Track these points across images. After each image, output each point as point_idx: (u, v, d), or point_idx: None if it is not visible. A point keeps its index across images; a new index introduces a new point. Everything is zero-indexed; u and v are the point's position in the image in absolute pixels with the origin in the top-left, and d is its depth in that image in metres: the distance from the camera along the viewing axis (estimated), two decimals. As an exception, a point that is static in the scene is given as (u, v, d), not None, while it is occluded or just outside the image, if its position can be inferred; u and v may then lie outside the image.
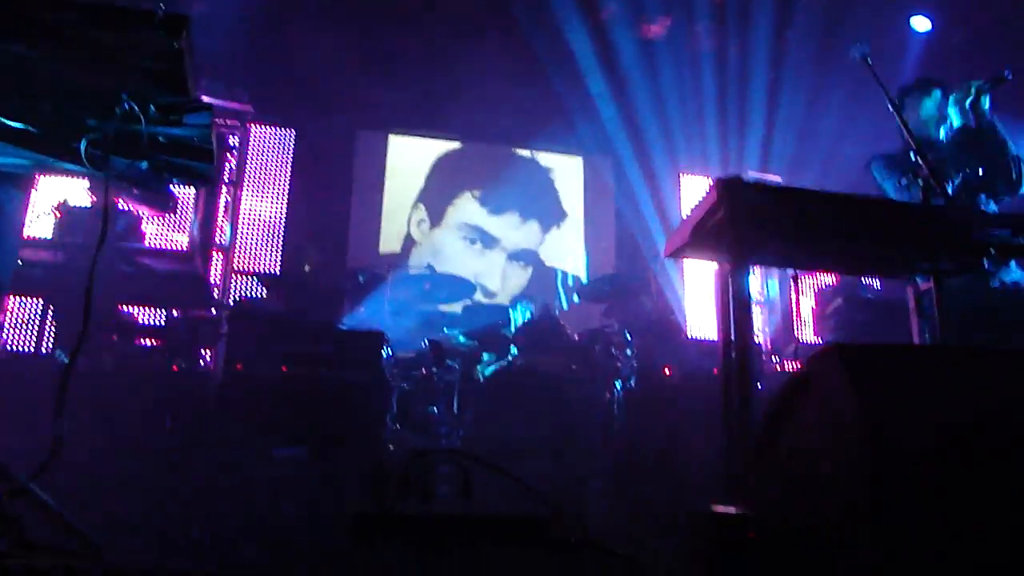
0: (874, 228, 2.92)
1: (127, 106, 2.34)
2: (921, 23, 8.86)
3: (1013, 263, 3.94)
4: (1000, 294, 3.92)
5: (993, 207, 4.10)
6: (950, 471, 1.60)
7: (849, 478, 1.66)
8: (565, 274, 10.00)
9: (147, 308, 6.89)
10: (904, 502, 1.57)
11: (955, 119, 4.05)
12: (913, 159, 3.56)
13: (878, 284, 8.29)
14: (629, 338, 6.34)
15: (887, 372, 1.74)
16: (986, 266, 3.40)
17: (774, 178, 10.06)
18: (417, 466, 1.86)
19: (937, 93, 4.25)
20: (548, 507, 1.90)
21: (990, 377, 1.83)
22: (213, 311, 6.54)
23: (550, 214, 10.30)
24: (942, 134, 4.24)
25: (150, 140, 2.46)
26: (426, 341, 6.33)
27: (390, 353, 6.02)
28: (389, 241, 9.62)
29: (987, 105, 3.95)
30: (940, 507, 1.58)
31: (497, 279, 9.71)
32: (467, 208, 9.97)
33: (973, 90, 3.89)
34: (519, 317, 7.10)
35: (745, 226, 2.58)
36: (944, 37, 8.83)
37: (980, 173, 4.05)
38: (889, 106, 3.75)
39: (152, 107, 2.42)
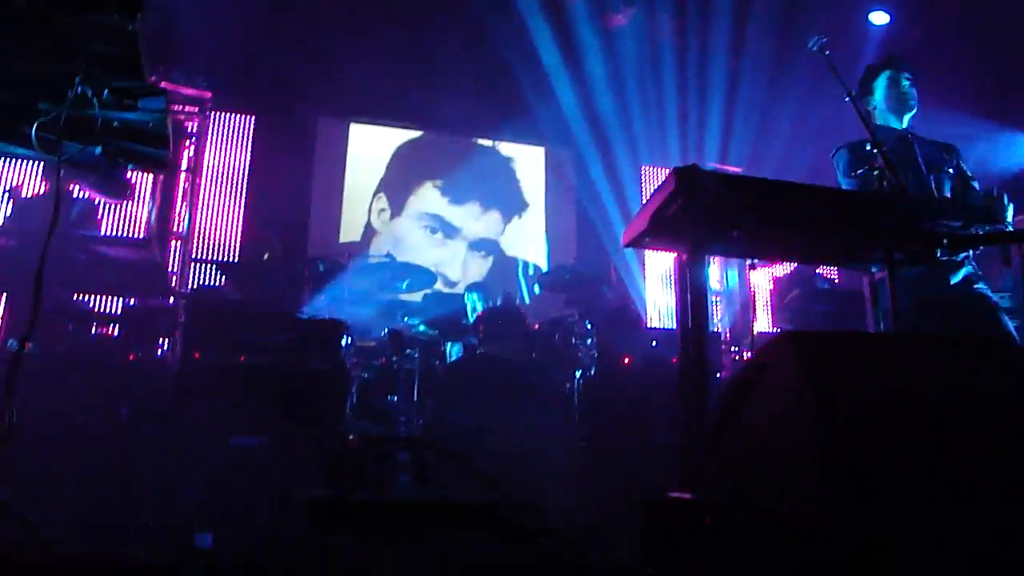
0: (830, 218, 2.95)
1: (80, 90, 2.31)
2: (879, 17, 8.96)
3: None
4: (953, 288, 4.00)
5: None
6: (897, 451, 1.63)
7: (801, 461, 1.68)
8: (526, 264, 10.02)
9: (103, 296, 6.79)
10: (855, 483, 1.59)
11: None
12: (870, 149, 3.60)
13: (835, 274, 8.40)
14: (589, 327, 6.36)
15: (838, 359, 1.77)
16: (939, 255, 3.47)
17: (734, 170, 10.14)
18: (372, 454, 1.86)
19: (904, 75, 4.35)
20: (502, 494, 1.91)
21: (933, 361, 1.87)
22: (171, 299, 6.47)
23: (511, 204, 10.31)
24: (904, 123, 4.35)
25: (104, 125, 2.43)
26: (386, 330, 6.31)
27: (350, 342, 6.00)
28: (350, 230, 9.58)
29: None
30: (890, 486, 1.61)
31: (458, 268, 9.71)
32: (428, 197, 9.94)
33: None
34: (473, 304, 7.11)
35: (703, 215, 2.60)
36: (902, 31, 8.94)
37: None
38: (847, 98, 3.79)
39: (106, 91, 2.39)
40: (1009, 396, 1.81)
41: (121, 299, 6.65)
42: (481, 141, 10.45)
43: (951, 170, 4.22)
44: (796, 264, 7.12)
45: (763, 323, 9.40)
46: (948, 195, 4.19)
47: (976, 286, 4.04)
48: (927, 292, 3.92)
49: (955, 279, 4.02)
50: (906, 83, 4.36)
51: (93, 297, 6.64)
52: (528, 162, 10.57)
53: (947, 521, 1.59)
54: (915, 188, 4.08)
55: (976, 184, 4.27)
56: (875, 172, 3.36)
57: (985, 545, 1.59)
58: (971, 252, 4.06)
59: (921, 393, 1.75)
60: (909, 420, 1.68)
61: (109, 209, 7.46)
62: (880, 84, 4.45)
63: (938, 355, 1.93)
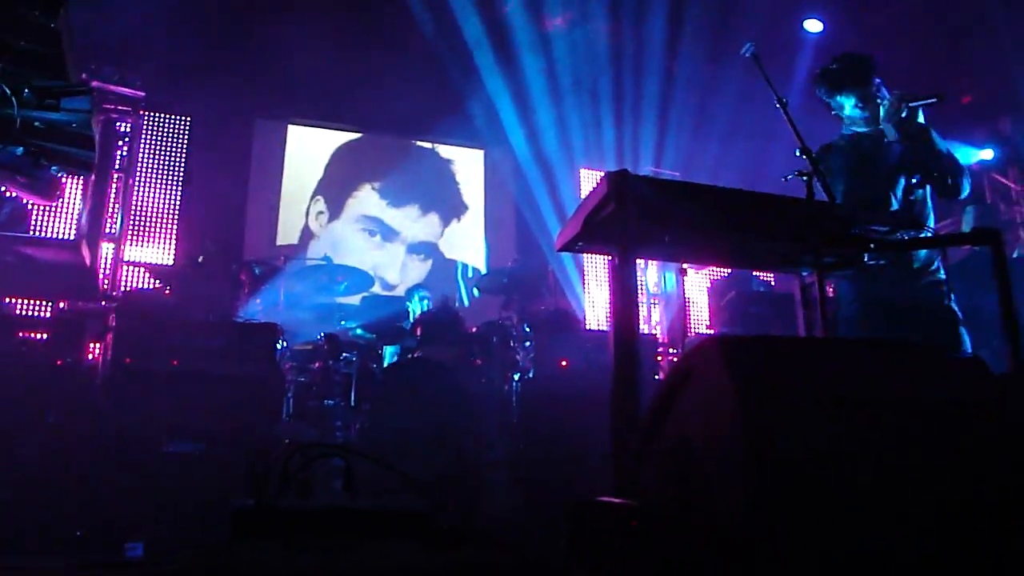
0: (760, 222, 3.00)
1: (-2, 88, 2.25)
2: (813, 25, 9.13)
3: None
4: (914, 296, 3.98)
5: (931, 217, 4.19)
6: (817, 447, 1.66)
7: (726, 464, 1.70)
8: (465, 266, 10.01)
9: (31, 300, 6.62)
10: (778, 487, 1.62)
11: (889, 132, 4.04)
12: (798, 155, 3.65)
13: (772, 277, 8.52)
14: (527, 330, 6.38)
15: (762, 360, 1.80)
16: (866, 259, 3.53)
17: (670, 173, 10.25)
18: (297, 460, 1.84)
19: (874, 80, 4.19)
20: (431, 500, 1.90)
21: (855, 363, 1.91)
22: (101, 303, 6.34)
23: (450, 207, 10.29)
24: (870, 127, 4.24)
25: (24, 124, 2.36)
26: (322, 334, 6.26)
27: (286, 346, 5.94)
28: (287, 233, 9.48)
29: (921, 118, 4.02)
30: (810, 483, 1.63)
31: (397, 271, 9.67)
32: (367, 200, 9.88)
33: (905, 106, 3.92)
34: (416, 307, 7.08)
35: (634, 219, 2.62)
36: (836, 39, 9.10)
37: (917, 180, 4.13)
38: (777, 105, 3.84)
39: (27, 90, 2.32)
40: (928, 398, 1.86)
41: (49, 302, 6.50)
42: (420, 143, 10.42)
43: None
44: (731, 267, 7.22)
45: (701, 325, 9.51)
46: (920, 195, 4.15)
47: (936, 292, 4.01)
48: (882, 298, 3.93)
49: (919, 285, 4.01)
50: (879, 93, 4.15)
51: (20, 300, 6.47)
52: (467, 165, 10.56)
53: (865, 519, 1.62)
54: (871, 190, 4.03)
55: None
56: (804, 178, 3.40)
57: (899, 541, 1.63)
58: (937, 259, 4.05)
59: (841, 392, 1.78)
60: (829, 418, 1.71)
61: (37, 209, 7.29)
62: (848, 101, 4.23)
63: (861, 357, 1.97)
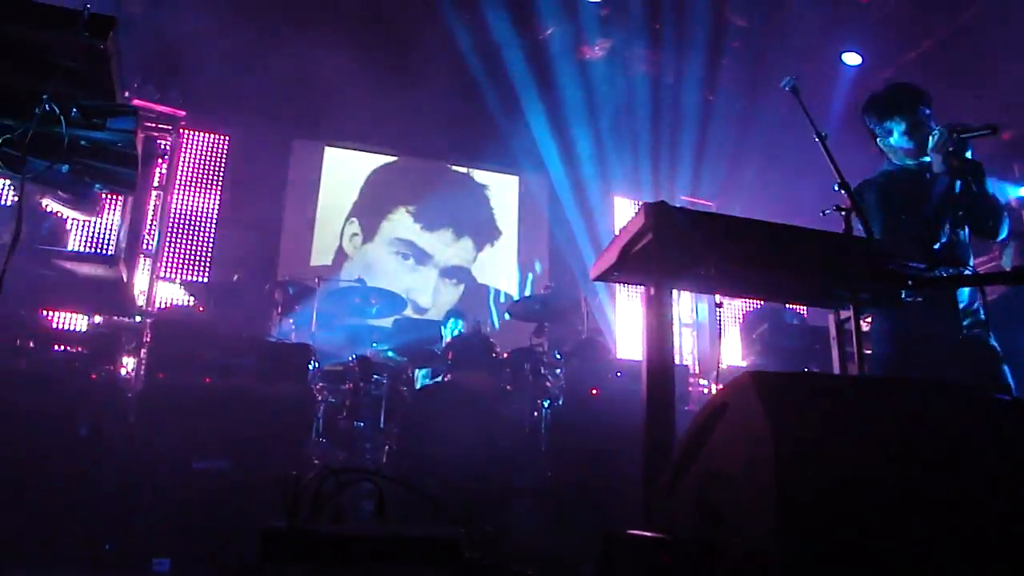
0: (795, 257, 2.98)
1: (47, 107, 2.29)
2: (852, 58, 9.10)
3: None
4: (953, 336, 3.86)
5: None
6: (850, 491, 1.63)
7: (759, 501, 1.68)
8: (497, 292, 10.02)
9: (68, 314, 6.70)
10: (810, 526, 1.59)
11: (936, 163, 3.94)
12: (836, 189, 3.61)
13: (804, 310, 8.45)
14: (558, 357, 6.36)
15: (798, 399, 1.77)
16: (903, 296, 3.48)
17: (706, 203, 10.22)
18: (330, 483, 1.83)
19: (923, 109, 4.08)
20: (461, 528, 1.89)
21: (892, 404, 1.88)
22: (137, 319, 6.40)
23: (484, 232, 10.31)
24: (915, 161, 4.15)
25: (71, 143, 2.40)
26: (354, 356, 6.27)
27: (317, 366, 5.96)
28: (321, 254, 9.54)
29: (969, 152, 3.89)
30: (845, 536, 1.61)
31: (429, 295, 9.69)
32: (401, 223, 9.93)
33: (956, 137, 3.80)
34: (451, 333, 7.08)
35: (670, 250, 2.61)
36: (874, 72, 9.06)
37: (960, 215, 4.00)
38: (816, 139, 3.81)
39: (74, 109, 2.36)
40: (967, 439, 1.82)
41: (86, 316, 6.57)
42: (456, 168, 10.47)
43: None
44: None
45: (733, 357, 9.44)
46: (962, 234, 4.05)
47: (979, 331, 3.88)
48: (923, 338, 3.81)
49: (962, 325, 3.85)
50: (928, 124, 4.02)
51: (57, 314, 6.55)
52: (502, 190, 10.59)
53: (899, 561, 1.59)
54: (912, 228, 3.92)
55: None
56: (842, 213, 3.37)
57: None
58: (977, 299, 3.95)
59: (878, 435, 1.75)
60: (864, 457, 1.69)
61: (77, 225, 7.39)
62: (897, 128, 4.12)
63: (899, 396, 1.94)
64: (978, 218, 3.98)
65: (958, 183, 3.83)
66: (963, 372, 3.77)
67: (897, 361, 3.84)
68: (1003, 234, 4.03)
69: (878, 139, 4.24)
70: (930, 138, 3.88)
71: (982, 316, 3.92)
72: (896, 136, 4.14)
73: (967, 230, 4.08)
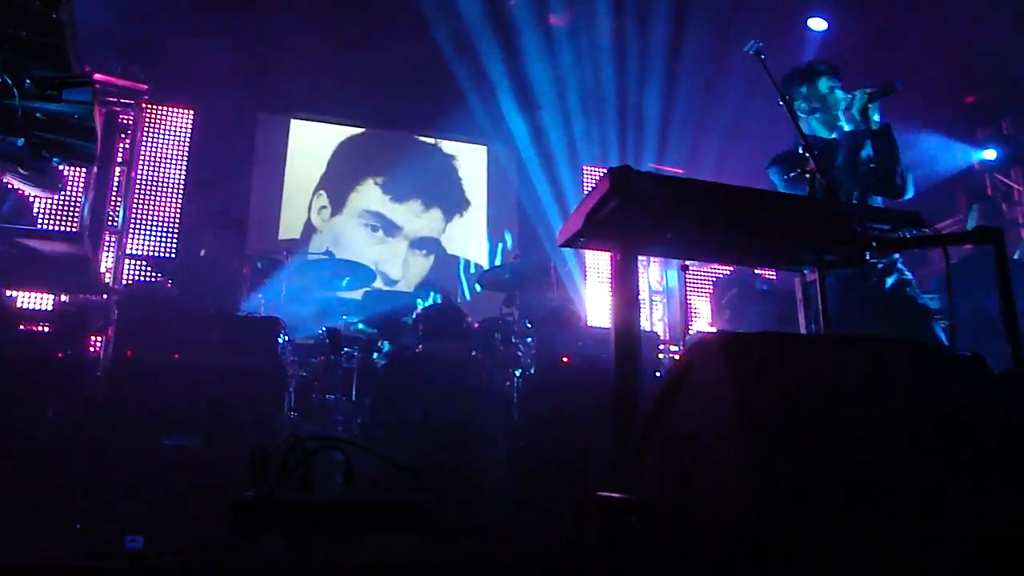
0: (762, 220, 3.00)
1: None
2: (817, 23, 9.11)
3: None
4: (886, 292, 4.08)
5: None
6: (822, 450, 1.66)
7: (727, 460, 1.70)
8: (467, 262, 10.01)
9: (32, 292, 6.62)
10: (778, 482, 1.62)
11: (844, 124, 4.15)
12: (801, 152, 3.67)
13: (774, 275, 8.51)
14: (529, 326, 6.37)
15: (763, 358, 1.80)
16: (868, 258, 3.53)
17: (674, 170, 10.24)
18: (297, 453, 1.84)
19: (824, 81, 4.34)
20: (431, 494, 1.90)
21: (856, 361, 1.91)
22: (103, 296, 6.34)
23: (453, 202, 10.28)
24: (833, 132, 4.35)
25: (26, 115, 2.36)
26: (324, 328, 6.25)
27: (287, 340, 5.94)
28: (289, 227, 9.48)
29: (876, 113, 4.06)
30: (813, 486, 1.63)
31: (399, 267, 9.67)
32: (369, 195, 9.88)
33: (859, 97, 4.00)
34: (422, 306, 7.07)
35: (636, 216, 2.62)
36: (840, 37, 9.09)
37: (872, 171, 4.17)
38: (780, 102, 3.85)
39: (28, 81, 2.32)
40: (928, 395, 1.85)
41: (51, 295, 6.50)
42: (423, 139, 10.41)
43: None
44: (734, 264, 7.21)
45: (703, 322, 9.51)
46: (878, 200, 4.24)
47: (907, 290, 4.13)
48: (858, 294, 4.00)
49: (888, 283, 4.10)
50: (838, 94, 4.29)
51: (21, 292, 6.47)
52: (470, 160, 10.55)
53: (867, 514, 1.62)
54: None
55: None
56: (807, 176, 3.41)
57: (901, 536, 1.63)
58: (900, 256, 4.14)
59: (841, 389, 1.78)
60: (829, 414, 1.71)
61: (41, 202, 7.29)
62: (803, 99, 4.42)
63: (861, 354, 1.97)
64: (884, 179, 4.12)
65: (867, 143, 4.10)
66: (889, 328, 3.94)
67: (843, 318, 3.95)
68: (909, 193, 4.19)
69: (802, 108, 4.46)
70: (841, 103, 4.11)
71: (907, 275, 4.15)
72: (804, 107, 4.40)
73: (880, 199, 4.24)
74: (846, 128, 4.14)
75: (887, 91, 3.92)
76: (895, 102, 4.09)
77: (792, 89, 4.37)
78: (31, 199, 6.12)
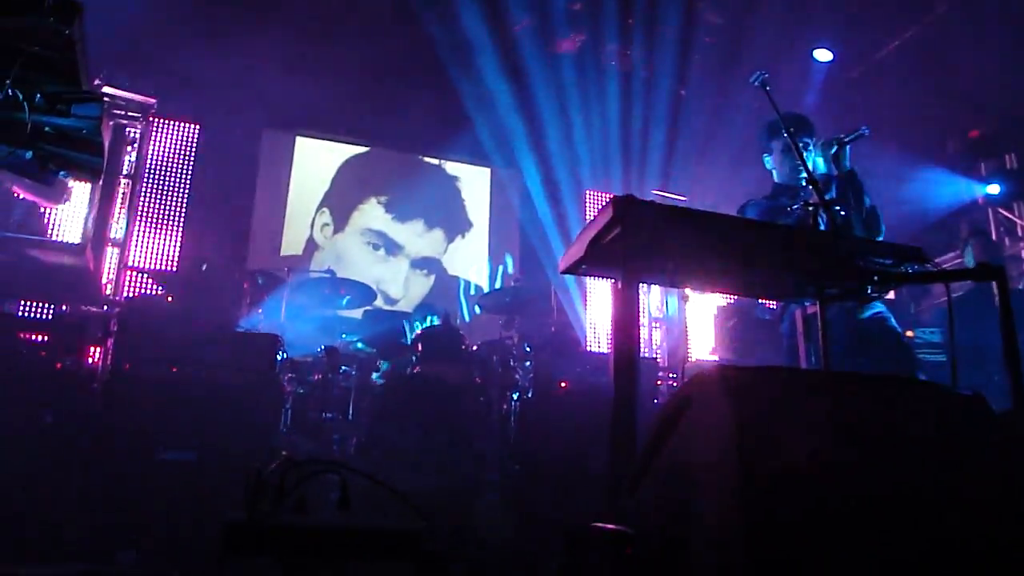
0: (765, 252, 3.00)
1: (10, 92, 2.25)
2: (823, 54, 9.15)
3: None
4: (866, 324, 4.12)
5: None
6: (818, 487, 1.64)
7: (723, 493, 1.69)
8: (468, 284, 10.02)
9: (32, 302, 6.62)
10: (774, 517, 1.61)
11: (820, 166, 4.23)
12: (805, 185, 3.69)
13: (775, 304, 8.51)
14: (528, 350, 6.37)
15: (762, 392, 1.79)
16: (869, 291, 3.54)
17: (678, 197, 10.26)
18: (292, 475, 1.83)
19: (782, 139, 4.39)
20: (424, 520, 1.89)
21: (856, 397, 1.90)
22: (103, 307, 6.34)
23: (455, 223, 10.30)
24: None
25: (35, 129, 2.37)
26: (322, 346, 6.25)
27: (285, 357, 5.93)
28: (291, 244, 9.49)
29: (846, 158, 4.14)
30: (808, 521, 1.62)
31: (399, 286, 9.67)
32: (372, 214, 9.90)
33: (836, 142, 4.07)
34: (420, 327, 7.06)
35: (638, 244, 2.61)
36: (844, 69, 9.14)
37: (842, 216, 4.21)
38: (784, 134, 3.88)
39: (38, 95, 2.33)
40: (927, 433, 1.85)
41: (51, 305, 6.50)
42: (427, 159, 10.45)
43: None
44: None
45: (704, 351, 9.49)
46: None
47: (887, 323, 4.20)
48: (837, 326, 4.01)
49: (866, 314, 4.15)
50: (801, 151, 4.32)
51: (21, 302, 6.47)
52: (473, 182, 10.58)
53: (861, 553, 1.61)
54: None
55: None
56: (810, 208, 3.42)
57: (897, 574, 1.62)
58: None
59: (840, 425, 1.77)
60: (826, 450, 1.70)
61: (49, 212, 7.30)
62: (772, 152, 4.63)
63: (861, 391, 1.96)
64: (852, 224, 4.20)
65: (833, 185, 4.22)
66: (867, 360, 3.99)
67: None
68: (879, 236, 4.24)
69: (764, 157, 4.71)
70: (810, 153, 4.26)
71: (885, 309, 4.25)
72: (772, 158, 4.64)
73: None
74: (820, 170, 4.22)
75: (856, 137, 3.99)
76: (899, 136, 4.13)
77: (767, 135, 4.56)
78: (41, 209, 6.13)
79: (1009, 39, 8.00)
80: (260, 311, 6.62)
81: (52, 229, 7.32)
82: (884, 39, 8.90)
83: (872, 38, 8.92)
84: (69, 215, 7.47)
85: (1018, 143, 9.58)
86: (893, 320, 4.22)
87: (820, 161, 4.20)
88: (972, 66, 8.46)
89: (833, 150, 4.10)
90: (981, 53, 8.27)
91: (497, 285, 9.96)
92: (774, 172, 4.68)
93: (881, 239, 4.20)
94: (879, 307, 4.22)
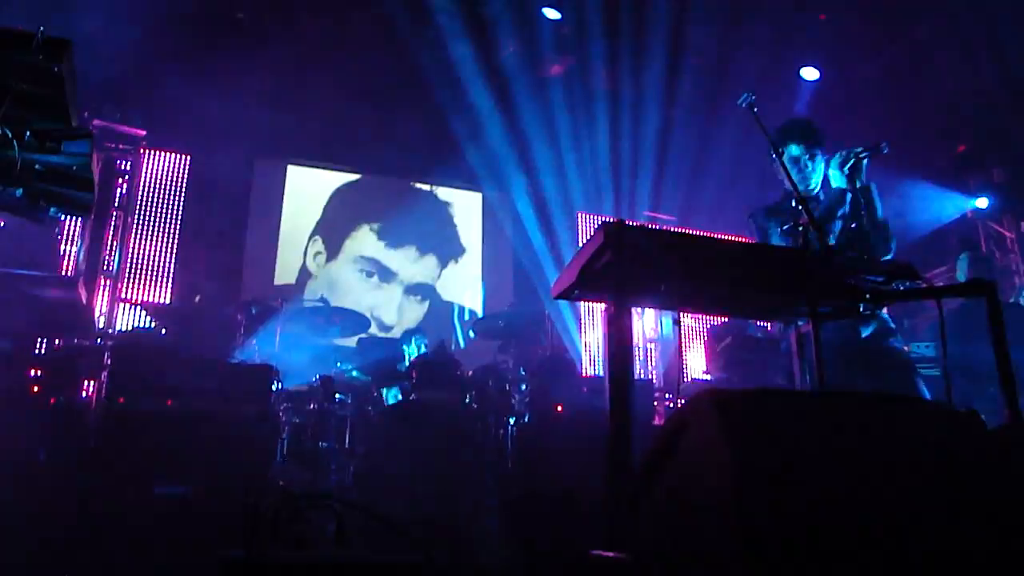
0: (756, 273, 3.01)
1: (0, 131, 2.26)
2: (810, 73, 9.22)
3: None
4: (867, 342, 4.09)
5: None
6: (810, 509, 1.64)
7: (719, 518, 1.69)
8: (462, 309, 10.01)
9: (25, 336, 6.60)
10: (770, 542, 1.60)
11: (835, 180, 4.14)
12: (794, 206, 3.68)
13: (768, 324, 8.52)
14: (523, 374, 6.36)
15: (756, 416, 1.79)
16: (862, 310, 3.54)
17: (668, 218, 10.29)
18: (288, 510, 1.82)
19: (793, 148, 4.36)
20: (423, 551, 1.88)
21: (850, 418, 1.90)
22: (97, 341, 6.32)
23: (448, 249, 10.31)
24: (815, 185, 4.37)
25: (24, 167, 2.37)
26: (318, 376, 6.23)
27: (281, 387, 5.91)
28: (284, 273, 9.49)
29: (863, 172, 4.09)
30: (805, 545, 1.62)
31: (393, 313, 9.66)
32: (365, 241, 9.90)
33: (853, 156, 4.01)
34: (413, 351, 7.06)
35: (629, 269, 2.62)
36: (832, 87, 9.20)
37: (854, 230, 4.19)
38: (773, 154, 3.89)
39: (28, 132, 2.33)
40: (923, 453, 1.85)
41: (44, 339, 6.48)
42: (419, 185, 10.47)
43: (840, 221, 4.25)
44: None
45: (697, 371, 9.50)
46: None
47: (888, 340, 4.12)
48: (838, 344, 3.98)
49: (866, 332, 4.11)
50: (810, 160, 4.33)
51: (13, 336, 6.44)
52: (465, 207, 10.61)
53: (859, 573, 1.61)
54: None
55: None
56: (800, 228, 3.43)
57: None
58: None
59: (835, 447, 1.77)
60: (822, 473, 1.71)
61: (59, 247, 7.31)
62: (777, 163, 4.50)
63: (856, 412, 1.97)
64: (864, 239, 4.14)
65: (847, 199, 4.12)
66: (866, 379, 3.96)
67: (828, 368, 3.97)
68: (890, 255, 4.18)
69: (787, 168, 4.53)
70: (818, 164, 4.25)
71: (890, 324, 4.18)
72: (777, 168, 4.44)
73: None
74: (835, 183, 4.15)
75: (875, 152, 3.94)
76: (891, 149, 4.11)
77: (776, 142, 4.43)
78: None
79: (993, 54, 8.08)
80: (254, 342, 6.60)
81: (67, 263, 7.31)
82: (870, 56, 8.97)
83: (858, 55, 8.99)
84: (59, 248, 7.47)
85: (1004, 157, 9.65)
86: (896, 336, 4.17)
87: (835, 173, 4.12)
88: (955, 83, 8.55)
89: (849, 163, 4.04)
90: (964, 69, 8.35)
91: (491, 310, 9.97)
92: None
93: (891, 256, 4.19)
94: (882, 323, 4.15)
